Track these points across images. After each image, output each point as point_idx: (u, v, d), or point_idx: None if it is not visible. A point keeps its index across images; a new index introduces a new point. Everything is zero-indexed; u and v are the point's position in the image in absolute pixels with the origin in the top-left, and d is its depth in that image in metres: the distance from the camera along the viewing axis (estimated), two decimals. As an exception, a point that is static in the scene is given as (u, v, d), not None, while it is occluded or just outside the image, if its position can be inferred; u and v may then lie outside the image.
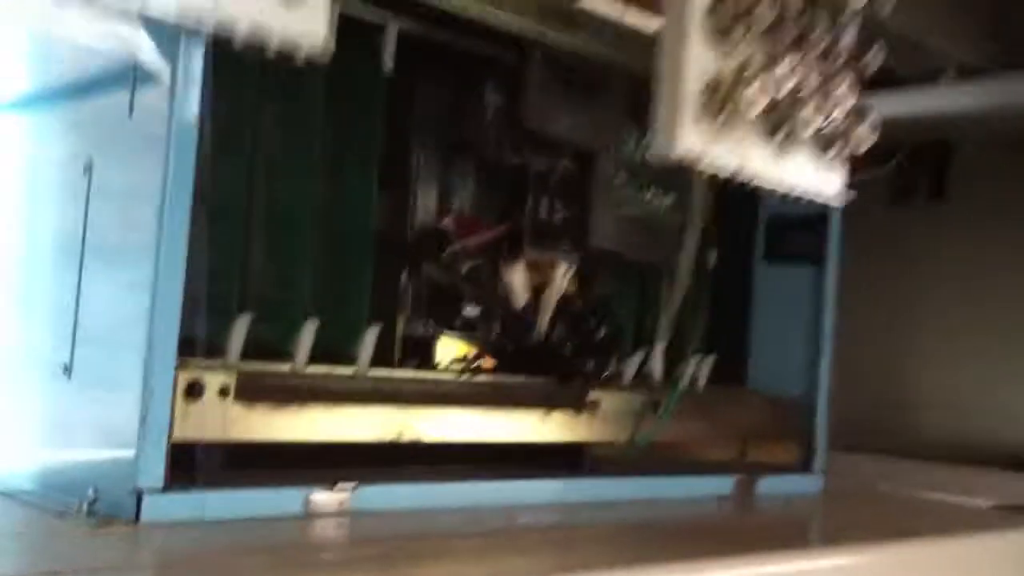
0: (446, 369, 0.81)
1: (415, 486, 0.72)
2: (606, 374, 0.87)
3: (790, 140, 0.58)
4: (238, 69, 0.66)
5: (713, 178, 0.89)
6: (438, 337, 0.82)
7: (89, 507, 0.61)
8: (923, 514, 0.99)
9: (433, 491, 0.72)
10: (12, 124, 0.72)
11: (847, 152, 0.62)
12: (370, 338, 0.74)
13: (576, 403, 0.83)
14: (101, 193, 0.64)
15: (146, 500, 0.59)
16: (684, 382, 0.96)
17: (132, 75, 0.61)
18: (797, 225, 1.05)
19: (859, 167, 1.11)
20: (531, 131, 0.79)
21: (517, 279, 0.83)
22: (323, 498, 0.66)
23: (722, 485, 0.94)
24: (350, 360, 0.74)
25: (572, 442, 0.84)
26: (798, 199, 0.95)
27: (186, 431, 0.62)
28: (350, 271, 0.77)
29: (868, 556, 0.78)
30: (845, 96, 0.60)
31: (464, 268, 0.82)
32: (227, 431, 0.64)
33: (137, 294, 0.60)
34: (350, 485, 0.67)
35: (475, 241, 0.81)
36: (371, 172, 0.77)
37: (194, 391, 0.63)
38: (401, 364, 0.80)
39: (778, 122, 0.58)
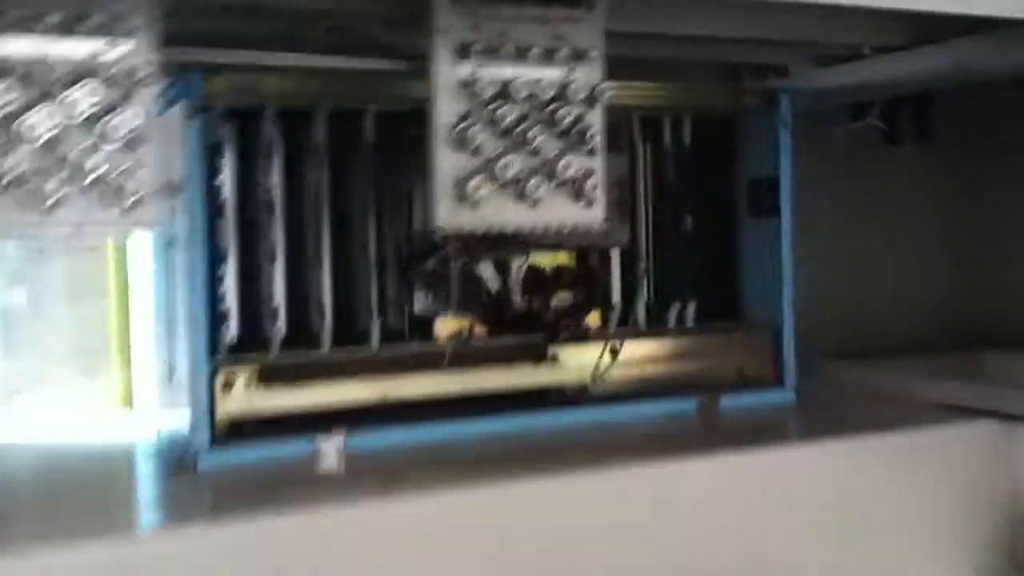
0: (443, 341, 1.15)
1: (387, 432, 1.06)
2: (569, 330, 1.18)
3: (534, 197, 0.87)
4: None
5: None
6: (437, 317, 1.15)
7: (178, 459, 1.01)
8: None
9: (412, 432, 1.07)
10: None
11: (595, 193, 0.90)
12: (375, 327, 1.11)
13: (536, 357, 1.15)
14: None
15: (201, 456, 0.98)
16: (671, 323, 1.26)
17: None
18: (769, 186, 1.29)
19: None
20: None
21: (487, 272, 1.15)
22: (325, 444, 1.03)
23: (687, 405, 1.21)
24: (366, 340, 1.11)
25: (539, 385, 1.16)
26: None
27: (227, 409, 1.01)
28: (359, 281, 1.12)
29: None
30: (576, 160, 0.88)
31: (453, 267, 1.16)
32: (253, 407, 1.02)
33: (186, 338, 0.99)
34: (341, 434, 1.03)
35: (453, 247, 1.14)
36: (370, 211, 1.12)
37: (228, 385, 1.01)
38: (410, 339, 1.14)
39: (519, 189, 0.87)
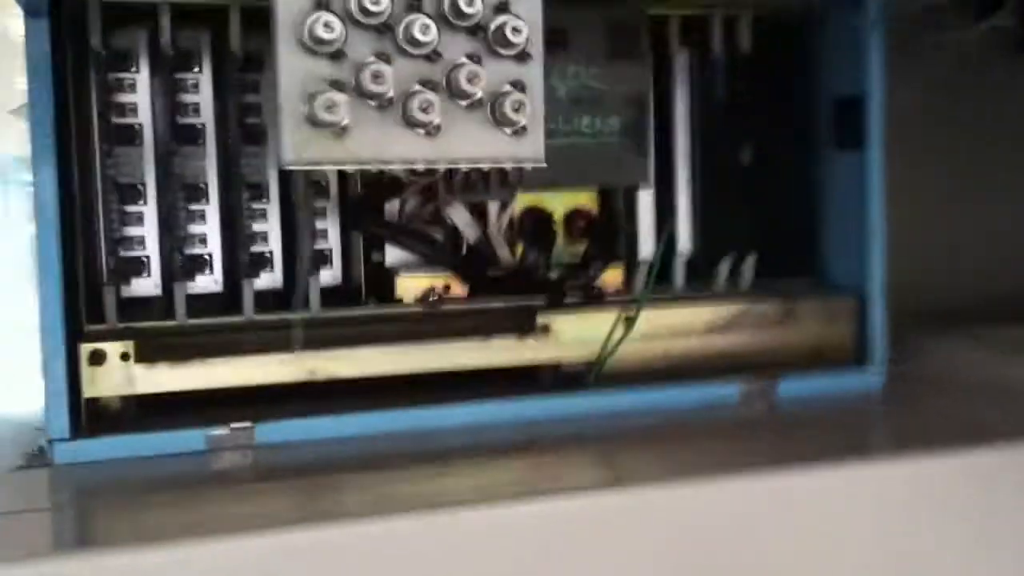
0: (410, 304, 0.91)
1: (313, 420, 0.83)
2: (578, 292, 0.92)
3: (428, 121, 0.60)
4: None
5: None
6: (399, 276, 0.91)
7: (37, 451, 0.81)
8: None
9: (336, 422, 0.84)
10: None
11: (523, 115, 0.62)
12: (314, 285, 0.88)
13: (522, 328, 0.89)
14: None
15: (56, 447, 0.78)
16: (719, 285, 0.98)
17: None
18: (858, 109, 0.99)
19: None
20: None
21: (460, 218, 0.90)
22: (223, 433, 0.81)
23: (731, 392, 0.94)
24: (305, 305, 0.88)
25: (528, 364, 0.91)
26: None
27: (97, 390, 0.80)
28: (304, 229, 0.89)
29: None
30: (491, 69, 0.61)
31: (421, 215, 0.91)
32: (133, 387, 0.80)
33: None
34: (246, 423, 0.81)
35: (415, 188, 0.89)
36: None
37: (98, 358, 0.80)
38: (365, 303, 0.91)
39: (406, 111, 0.60)
